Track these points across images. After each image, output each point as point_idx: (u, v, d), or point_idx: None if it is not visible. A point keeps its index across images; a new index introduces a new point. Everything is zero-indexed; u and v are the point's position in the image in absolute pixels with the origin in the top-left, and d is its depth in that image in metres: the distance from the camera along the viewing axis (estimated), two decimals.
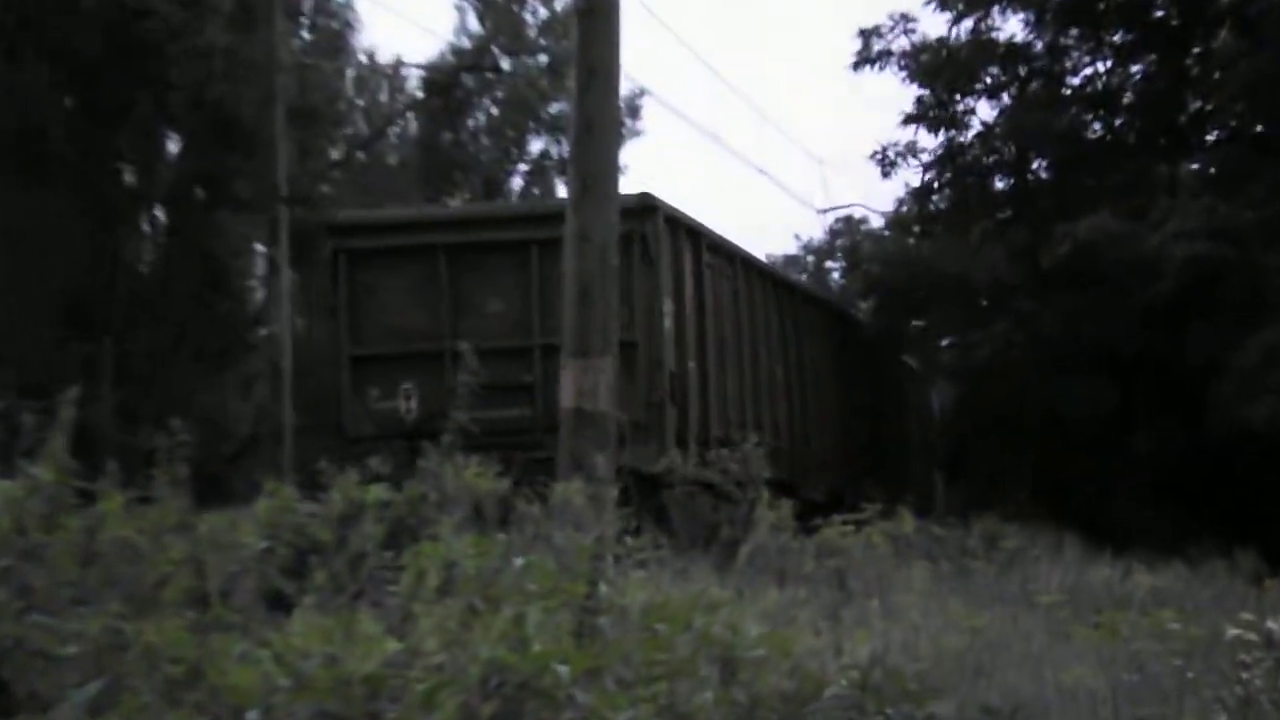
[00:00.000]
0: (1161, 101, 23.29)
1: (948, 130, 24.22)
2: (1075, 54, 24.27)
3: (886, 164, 24.21)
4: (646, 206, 14.42)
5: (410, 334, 14.31)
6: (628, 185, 12.93)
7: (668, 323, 14.53)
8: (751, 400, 16.23)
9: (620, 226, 11.42)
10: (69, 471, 4.33)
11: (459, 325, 13.86)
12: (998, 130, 24.30)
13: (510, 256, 14.37)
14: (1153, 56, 23.61)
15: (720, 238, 16.26)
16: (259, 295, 26.12)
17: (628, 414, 12.47)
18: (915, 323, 24.83)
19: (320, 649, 3.87)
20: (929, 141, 24.35)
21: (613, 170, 11.63)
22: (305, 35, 30.13)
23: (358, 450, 9.22)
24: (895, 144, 24.36)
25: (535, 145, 35.11)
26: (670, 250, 14.73)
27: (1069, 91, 24.30)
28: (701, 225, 15.69)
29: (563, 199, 13.07)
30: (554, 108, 32.60)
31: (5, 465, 4.53)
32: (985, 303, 23.40)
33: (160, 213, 24.72)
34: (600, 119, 11.35)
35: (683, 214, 15.32)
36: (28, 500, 4.10)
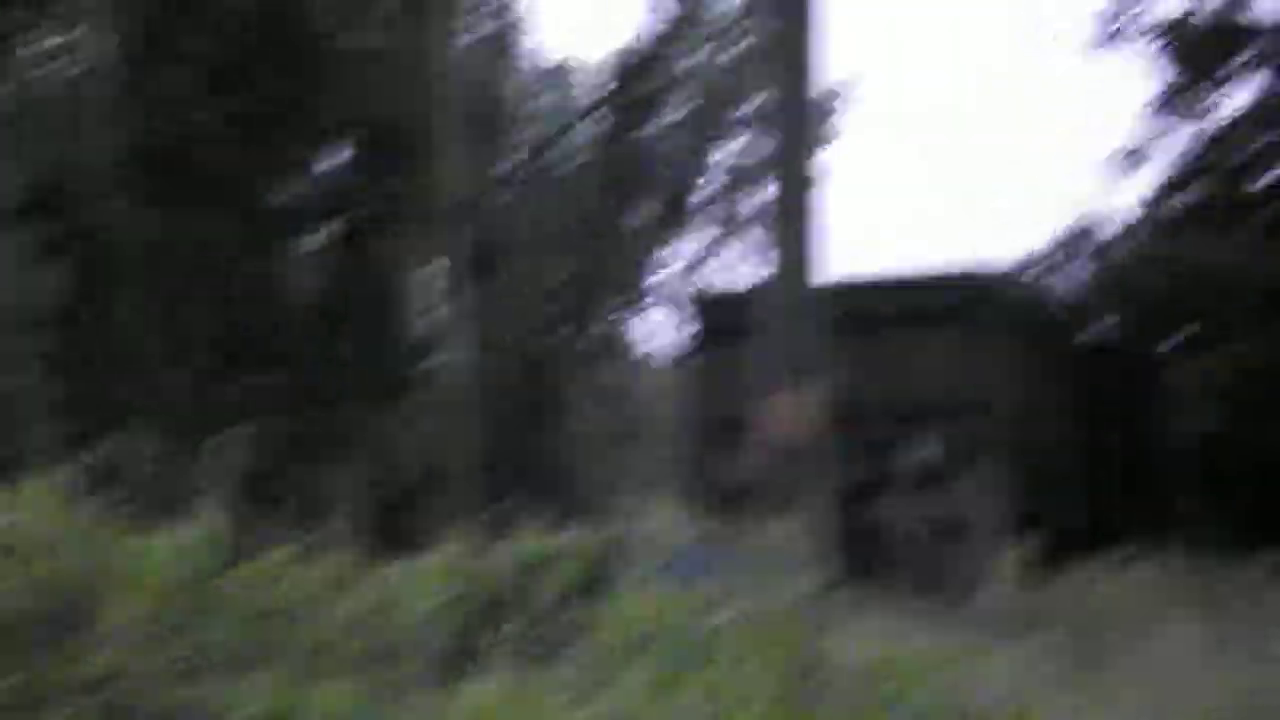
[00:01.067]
0: None
1: (1202, 117, 23.54)
2: None
3: (1134, 161, 23.68)
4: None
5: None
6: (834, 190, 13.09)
7: None
8: None
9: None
10: (240, 519, 4.42)
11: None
12: (1265, 112, 23.50)
13: (882, 329, 16.57)
14: None
15: None
16: (435, 316, 26.67)
17: None
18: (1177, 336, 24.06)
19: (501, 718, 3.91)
20: (1176, 135, 23.72)
21: (817, 178, 11.57)
22: (472, 34, 30.68)
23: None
24: (1143, 135, 23.77)
25: (731, 148, 35.00)
26: None
27: None
28: None
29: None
30: (751, 106, 32.46)
31: (168, 513, 4.62)
32: (1255, 309, 22.57)
33: (323, 232, 25.34)
34: (800, 120, 11.35)
35: None
36: (198, 551, 4.18)
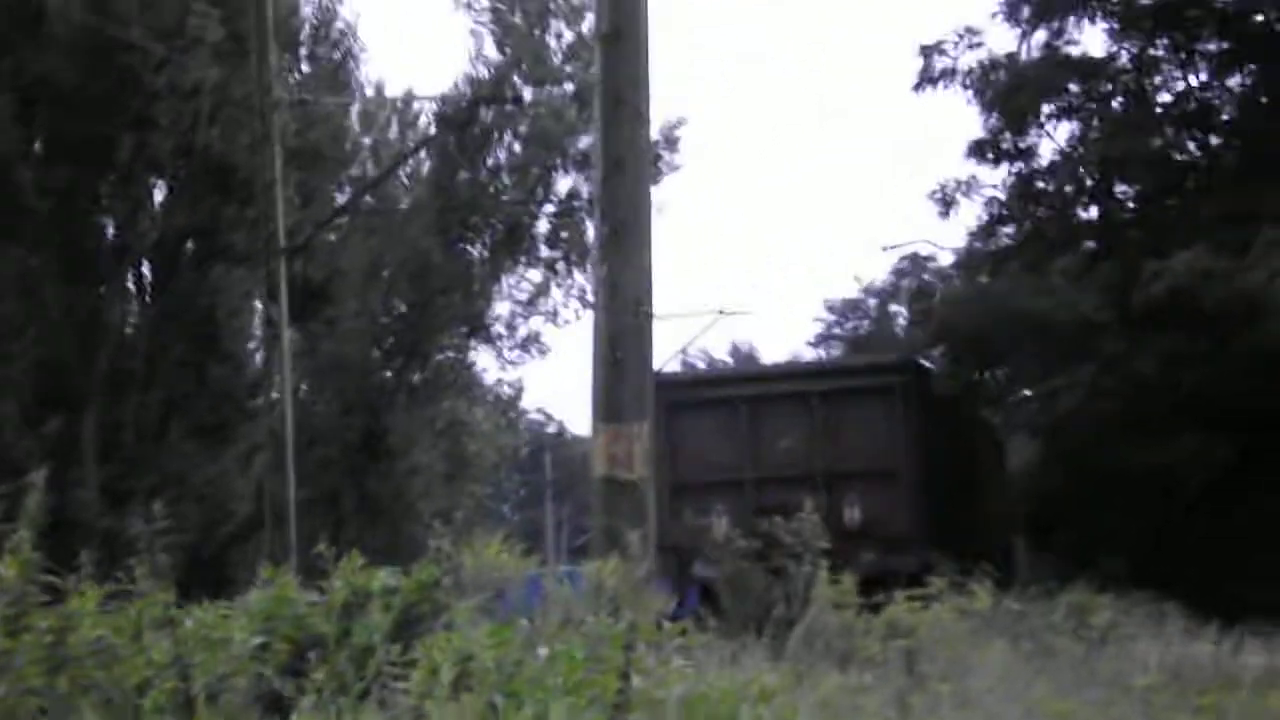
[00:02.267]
0: (1264, 119, 23.07)
1: (1015, 161, 24.17)
2: (1165, 67, 24.15)
3: (946, 202, 24.20)
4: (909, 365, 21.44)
5: (718, 467, 19.62)
6: (666, 226, 13.56)
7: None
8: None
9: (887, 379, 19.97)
10: (36, 566, 4.31)
11: (757, 459, 19.67)
12: (1078, 156, 24.19)
13: (795, 404, 19.95)
14: (1253, 68, 23.45)
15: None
16: (258, 358, 26.32)
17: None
18: (991, 372, 24.65)
19: None
20: (993, 175, 24.32)
21: (645, 212, 11.63)
22: (303, 68, 30.45)
23: (672, 560, 12.87)
24: (955, 181, 24.32)
25: (562, 184, 35.16)
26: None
27: (1159, 110, 24.20)
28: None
29: (839, 357, 26.54)
30: (582, 142, 32.68)
31: None
32: (1069, 348, 23.13)
33: (146, 269, 24.87)
34: (630, 155, 11.39)
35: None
36: None
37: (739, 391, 20.71)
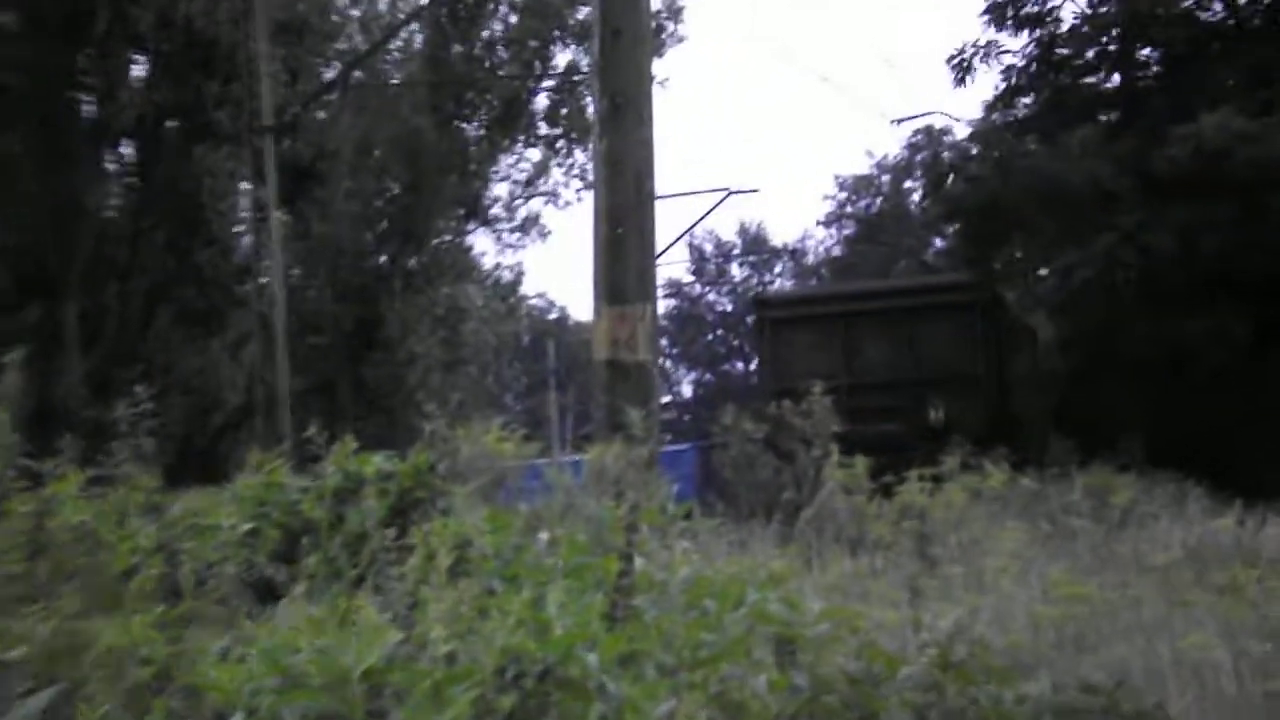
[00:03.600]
0: None
1: (1035, 28, 23.86)
2: None
3: (964, 68, 23.95)
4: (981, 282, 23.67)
5: (816, 375, 21.72)
6: (669, 100, 13.50)
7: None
8: None
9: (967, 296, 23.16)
10: (15, 449, 4.31)
11: (851, 368, 22.86)
12: (1102, 16, 23.89)
13: (885, 319, 23.31)
14: None
15: None
16: (246, 242, 26.21)
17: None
18: (1006, 249, 24.56)
19: (313, 642, 3.90)
20: (1013, 42, 24.03)
21: (646, 84, 11.54)
22: None
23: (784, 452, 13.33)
24: (974, 45, 24.05)
25: (561, 58, 34.77)
26: None
27: None
28: None
29: (925, 277, 28.08)
30: (581, 12, 32.28)
31: None
32: (1086, 217, 23.00)
33: (128, 149, 24.66)
34: (629, 24, 11.26)
35: None
36: None
37: (834, 309, 24.11)
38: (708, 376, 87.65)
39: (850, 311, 23.87)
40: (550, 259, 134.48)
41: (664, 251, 39.61)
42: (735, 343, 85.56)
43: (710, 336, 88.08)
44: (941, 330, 23.38)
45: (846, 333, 23.53)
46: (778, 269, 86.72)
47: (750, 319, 27.81)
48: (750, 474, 14.04)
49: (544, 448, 23.45)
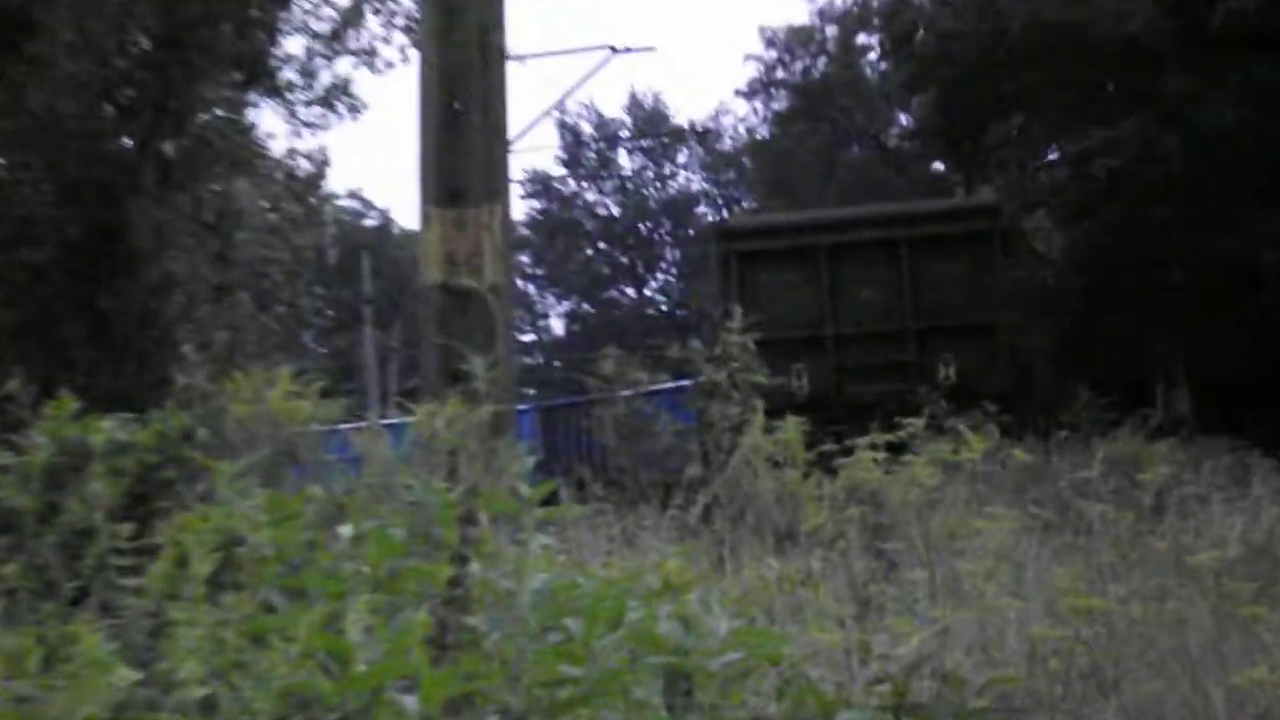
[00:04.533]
0: None
1: None
2: None
3: None
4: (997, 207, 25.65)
5: (796, 322, 24.80)
6: None
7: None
8: None
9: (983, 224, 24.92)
10: None
11: (837, 313, 25.26)
12: None
13: (880, 253, 25.31)
14: None
15: None
16: None
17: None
18: (996, 126, 24.72)
19: (7, 685, 3.85)
20: None
21: None
22: None
23: None
24: None
25: None
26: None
27: None
28: None
29: (929, 201, 31.45)
30: None
31: None
32: (1113, 86, 23.06)
33: None
34: None
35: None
36: None
37: (816, 240, 25.95)
38: (585, 306, 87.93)
39: (838, 244, 25.75)
40: (366, 144, 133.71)
41: (523, 134, 39.49)
42: (624, 259, 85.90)
43: (590, 251, 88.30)
44: (952, 267, 25.07)
45: (833, 270, 25.52)
46: (681, 157, 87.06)
47: (709, 250, 31.24)
48: (644, 443, 14.08)
49: (354, 407, 23.35)
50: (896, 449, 9.94)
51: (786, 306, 24.92)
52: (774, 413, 20.05)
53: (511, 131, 12.30)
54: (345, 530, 5.58)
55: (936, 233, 25.50)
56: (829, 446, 9.93)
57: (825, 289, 25.47)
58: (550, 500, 7.16)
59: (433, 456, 8.24)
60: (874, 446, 9.57)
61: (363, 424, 9.17)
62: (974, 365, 23.92)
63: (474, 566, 4.95)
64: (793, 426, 10.21)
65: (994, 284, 24.57)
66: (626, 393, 18.73)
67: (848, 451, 9.67)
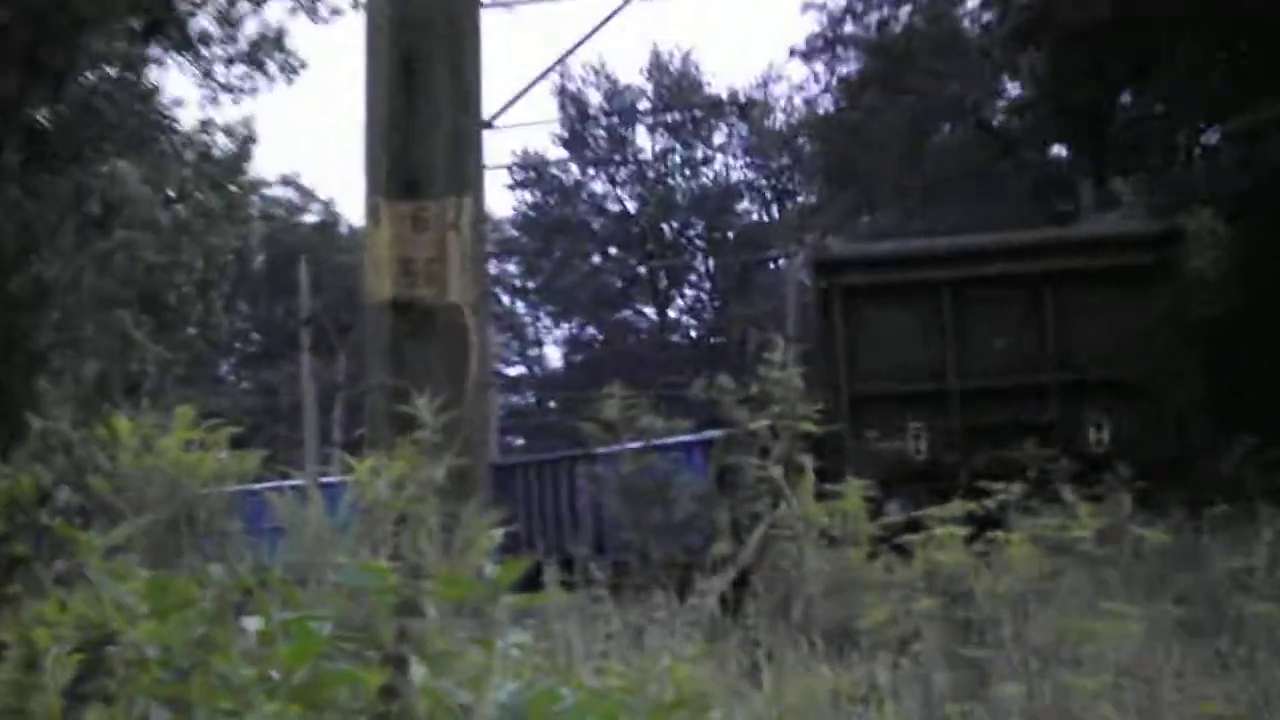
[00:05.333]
0: None
1: None
2: None
3: None
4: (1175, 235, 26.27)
5: (912, 373, 25.90)
6: None
7: None
8: None
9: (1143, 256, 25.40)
10: None
11: (963, 363, 25.77)
12: None
13: (1017, 290, 25.99)
14: None
15: None
16: None
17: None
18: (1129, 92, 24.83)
19: None
20: None
21: None
22: None
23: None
24: None
25: None
26: None
27: None
28: None
29: (1078, 226, 29.17)
30: None
31: None
32: None
33: None
34: None
35: None
36: None
37: (939, 273, 26.33)
38: (589, 331, 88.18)
39: (966, 279, 26.24)
40: (305, 116, 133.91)
41: (509, 105, 39.40)
42: (641, 270, 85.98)
43: (597, 259, 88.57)
44: (1108, 308, 25.32)
45: (958, 311, 26.03)
46: (718, 137, 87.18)
47: (805, 283, 30.13)
48: (656, 510, 14.14)
49: (280, 461, 23.40)
50: (988, 523, 9.97)
51: (901, 354, 25.89)
52: (883, 484, 20.38)
53: (491, 101, 12.30)
54: (252, 623, 5.58)
55: (1089, 266, 25.85)
56: (893, 517, 9.95)
57: (949, 333, 26.13)
58: (529, 583, 7.17)
59: (376, 526, 8.26)
60: (960, 519, 9.59)
61: (290, 483, 9.21)
62: (1133, 429, 24.43)
63: (417, 672, 4.95)
64: (854, 492, 10.22)
65: (1158, 328, 24.96)
66: (635, 445, 18.82)
67: (916, 525, 9.69)
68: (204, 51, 36.06)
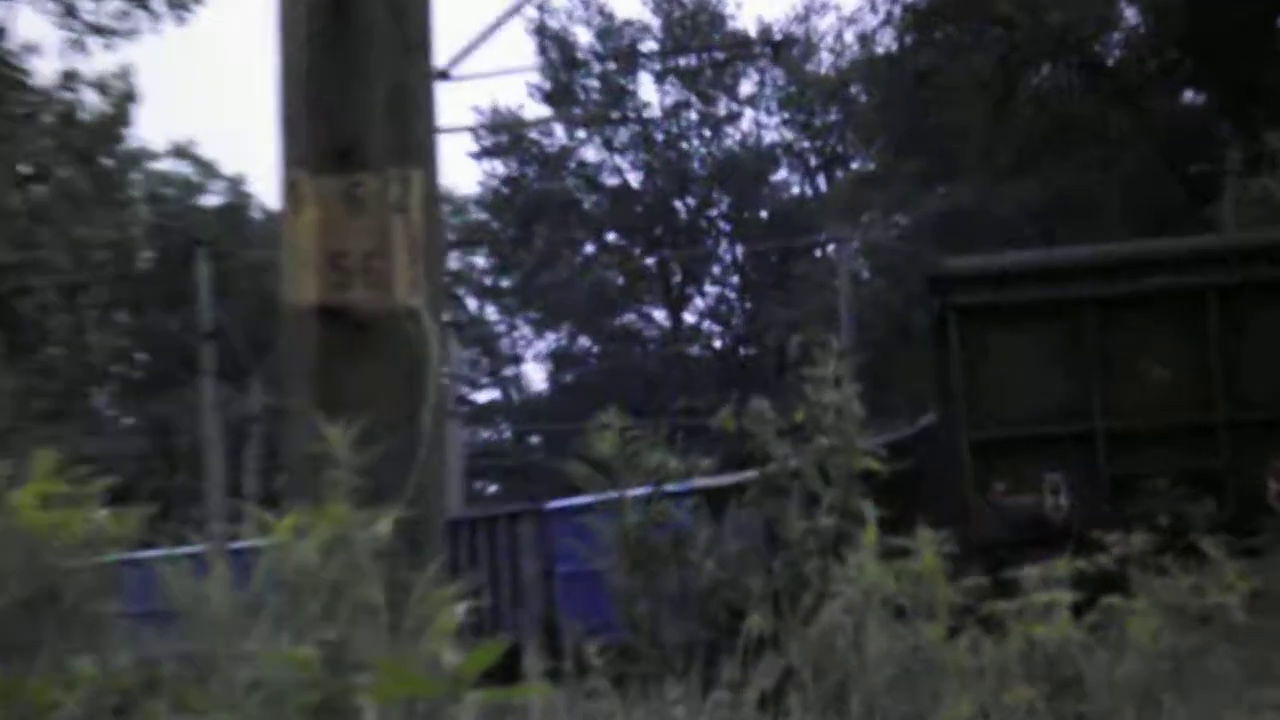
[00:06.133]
0: None
1: None
2: None
3: None
4: None
5: (1049, 411, 26.64)
6: None
7: None
8: None
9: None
10: None
11: (1113, 398, 26.39)
12: None
13: (1178, 309, 26.54)
14: None
15: None
16: None
17: None
18: None
19: None
20: None
21: None
22: None
23: (992, 559, 15.32)
24: None
25: None
26: None
27: None
28: None
29: (1252, 234, 33.03)
30: None
31: None
32: None
33: None
34: None
35: None
36: None
37: (1081, 290, 26.99)
38: (582, 342, 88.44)
39: (1114, 297, 26.79)
40: (204, 69, 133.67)
41: (471, 48, 39.33)
42: (648, 261, 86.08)
43: (590, 248, 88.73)
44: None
45: (1106, 335, 26.62)
46: (747, 86, 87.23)
47: (915, 300, 31.52)
48: (670, 576, 14.23)
49: (174, 520, 23.48)
50: (1104, 584, 9.99)
51: (1035, 388, 26.47)
52: (1014, 546, 19.97)
53: (448, 45, 12.30)
54: None
55: (1267, 278, 26.22)
56: (973, 579, 9.97)
57: (1095, 362, 26.61)
58: (505, 673, 7.17)
59: (300, 604, 8.28)
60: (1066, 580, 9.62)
61: (187, 549, 9.24)
62: None
63: None
64: (929, 547, 10.24)
65: None
66: (641, 490, 18.71)
67: (1008, 589, 9.71)
68: None
